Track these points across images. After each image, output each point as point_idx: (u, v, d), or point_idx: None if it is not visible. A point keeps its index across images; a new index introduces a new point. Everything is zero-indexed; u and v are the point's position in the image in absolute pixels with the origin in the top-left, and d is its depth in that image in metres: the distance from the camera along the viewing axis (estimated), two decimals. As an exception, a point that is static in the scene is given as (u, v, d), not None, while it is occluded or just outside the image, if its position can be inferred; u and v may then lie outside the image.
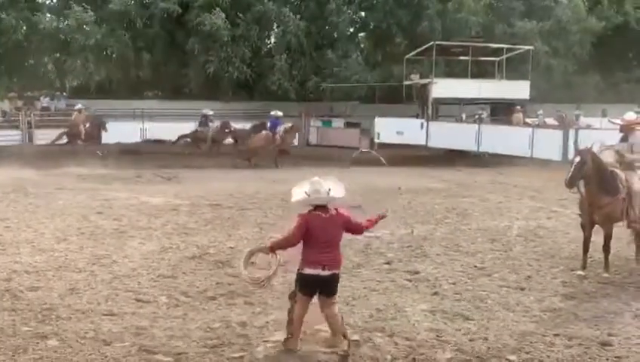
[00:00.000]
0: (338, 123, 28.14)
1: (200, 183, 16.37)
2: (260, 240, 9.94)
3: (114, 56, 29.77)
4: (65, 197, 13.92)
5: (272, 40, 32.05)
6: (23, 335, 6.11)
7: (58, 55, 30.04)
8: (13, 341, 5.98)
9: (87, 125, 22.83)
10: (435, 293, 7.52)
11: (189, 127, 25.21)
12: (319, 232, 5.57)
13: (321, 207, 5.65)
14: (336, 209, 5.70)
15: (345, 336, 5.69)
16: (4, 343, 5.91)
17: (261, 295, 7.35)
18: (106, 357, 5.69)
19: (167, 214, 12.11)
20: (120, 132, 25.38)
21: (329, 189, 5.60)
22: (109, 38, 28.35)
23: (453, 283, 7.89)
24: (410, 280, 8.02)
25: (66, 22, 28.51)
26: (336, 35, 31.22)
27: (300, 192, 5.71)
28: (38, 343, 5.93)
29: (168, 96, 31.41)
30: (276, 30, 30.94)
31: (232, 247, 9.56)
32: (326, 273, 5.58)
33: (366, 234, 10.41)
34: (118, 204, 13.15)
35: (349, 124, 27.94)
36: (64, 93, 30.31)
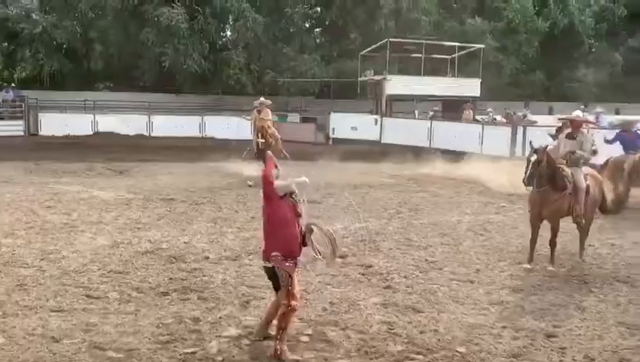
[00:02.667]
0: (294, 118, 28.15)
1: (152, 177, 16.16)
2: (214, 235, 9.93)
3: (64, 46, 29.03)
4: (12, 190, 13.54)
5: (229, 33, 31.81)
6: (-32, 333, 5.95)
7: (6, 45, 29.13)
8: (-42, 338, 5.82)
9: None
10: (388, 287, 7.65)
11: (139, 119, 24.87)
12: None
13: None
14: None
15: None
16: (-52, 341, 5.75)
17: (214, 290, 7.34)
18: (54, 354, 5.59)
19: (119, 208, 11.93)
20: (70, 124, 24.85)
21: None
22: (56, 28, 27.60)
23: (405, 277, 8.04)
24: (363, 274, 8.12)
25: (14, 10, 27.66)
26: (292, 30, 31.21)
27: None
28: (-17, 340, 5.79)
29: (121, 88, 30.83)
30: (233, 24, 30.71)
31: (185, 242, 9.48)
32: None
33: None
34: (68, 197, 12.88)
35: (304, 119, 27.99)
36: (13, 85, 29.41)
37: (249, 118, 17.56)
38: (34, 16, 27.33)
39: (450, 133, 22.69)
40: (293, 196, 5.66)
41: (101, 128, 26.11)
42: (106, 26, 29.02)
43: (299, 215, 5.65)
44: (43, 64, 28.30)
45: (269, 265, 5.68)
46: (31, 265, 8.18)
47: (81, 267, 8.14)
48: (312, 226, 5.73)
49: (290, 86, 29.64)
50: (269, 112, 16.25)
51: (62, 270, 7.99)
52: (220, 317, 6.51)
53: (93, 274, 7.89)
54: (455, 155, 19.92)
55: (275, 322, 5.80)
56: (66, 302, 6.87)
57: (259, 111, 15.96)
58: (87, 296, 7.08)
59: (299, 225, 5.65)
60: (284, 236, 5.58)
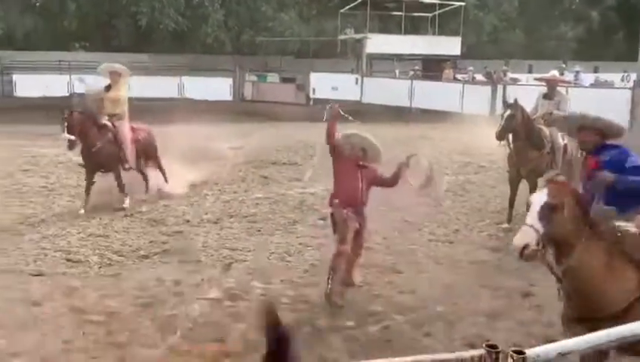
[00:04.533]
0: (273, 78, 27.83)
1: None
2: (194, 198, 9.88)
3: (37, 4, 28.21)
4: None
5: (205, -10, 31.07)
6: (-54, 299, 5.92)
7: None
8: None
9: None
10: (367, 248, 7.70)
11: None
12: None
13: None
14: None
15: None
16: None
17: (195, 253, 7.35)
18: (36, 317, 5.60)
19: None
20: (45, 85, 24.31)
21: None
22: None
23: (385, 238, 8.10)
24: (343, 236, 8.15)
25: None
26: (270, -13, 30.61)
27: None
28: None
29: (97, 48, 30.14)
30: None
31: (165, 205, 9.44)
32: None
33: (301, 190, 10.61)
34: (46, 161, 12.70)
35: (284, 80, 27.69)
36: (-17, 45, 28.60)
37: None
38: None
39: (430, 93, 22.63)
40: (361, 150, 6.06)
41: (77, 89, 25.60)
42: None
43: (361, 167, 6.05)
44: (15, 23, 27.51)
45: (330, 211, 6.18)
46: (9, 229, 8.11)
47: (61, 231, 8.09)
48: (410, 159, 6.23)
49: (268, 45, 29.22)
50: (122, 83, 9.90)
51: (41, 234, 7.94)
52: (202, 280, 6.54)
53: (72, 237, 7.86)
54: (436, 114, 19.94)
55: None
56: (46, 266, 6.85)
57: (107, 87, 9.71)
58: (68, 260, 7.07)
59: (361, 178, 6.03)
60: (343, 186, 6.03)
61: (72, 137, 9.00)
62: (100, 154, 9.24)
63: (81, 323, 5.53)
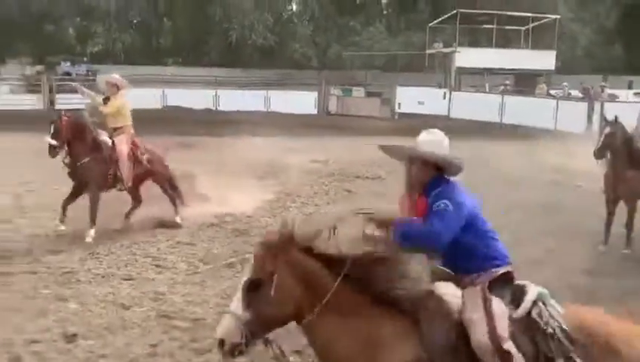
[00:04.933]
0: (358, 92, 27.90)
1: (218, 150, 16.34)
2: (277, 210, 9.97)
3: (135, 22, 29.73)
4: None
5: (294, 6, 31.73)
6: (44, 298, 6.20)
7: (79, 20, 30.07)
8: (34, 303, 6.07)
9: None
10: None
11: (206, 93, 25.10)
12: None
13: None
14: None
15: None
16: (26, 305, 6.01)
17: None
18: (125, 320, 5.77)
19: (187, 180, 12.09)
20: (140, 98, 25.45)
21: None
22: (131, 4, 28.28)
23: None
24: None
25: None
26: (359, 2, 30.80)
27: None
28: (58, 306, 6.03)
29: (189, 63, 31.36)
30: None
31: (249, 216, 9.57)
32: None
33: (385, 205, 10.47)
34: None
35: (369, 93, 27.69)
36: (85, 59, 30.41)
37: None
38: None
39: (522, 108, 21.92)
40: None
41: (169, 102, 26.68)
42: (176, 3, 29.48)
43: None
44: (115, 39, 29.09)
45: None
46: (103, 234, 8.44)
47: (151, 238, 8.34)
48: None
49: (355, 59, 29.35)
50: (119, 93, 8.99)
51: (131, 240, 8.21)
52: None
53: (161, 244, 8.08)
54: (527, 131, 19.28)
55: None
56: (136, 271, 7.07)
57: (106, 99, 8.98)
58: (156, 266, 7.27)
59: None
60: None
61: (55, 142, 8.12)
62: (85, 171, 8.29)
63: (168, 328, 5.64)
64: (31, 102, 25.06)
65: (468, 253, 3.30)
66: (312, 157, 14.68)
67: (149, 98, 26.00)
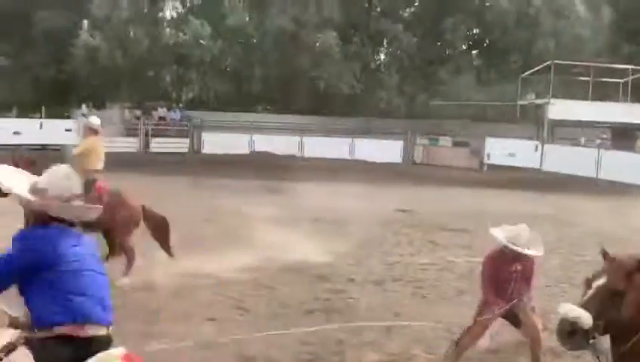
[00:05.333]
0: (446, 141, 27.56)
1: (302, 196, 16.40)
2: (359, 258, 9.80)
3: (228, 70, 30.91)
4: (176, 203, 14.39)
5: (382, 56, 32.08)
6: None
7: (175, 67, 31.63)
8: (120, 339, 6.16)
9: None
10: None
11: (292, 140, 25.55)
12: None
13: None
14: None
15: None
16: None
17: (357, 314, 7.19)
18: (206, 360, 5.73)
19: (270, 224, 12.19)
20: (229, 143, 26.28)
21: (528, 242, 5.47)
22: (226, 53, 29.50)
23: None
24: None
25: (185, 36, 29.94)
26: (448, 52, 30.76)
27: (499, 232, 5.54)
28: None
29: (278, 110, 32.17)
30: (387, 47, 30.95)
31: (330, 263, 9.46)
32: None
33: (470, 259, 10.10)
34: (223, 210, 13.42)
35: (456, 143, 27.28)
36: (180, 105, 31.85)
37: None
38: (202, 41, 29.37)
39: (621, 163, 20.87)
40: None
41: (257, 148, 27.35)
42: (267, 51, 30.48)
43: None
44: (209, 87, 30.33)
45: None
46: (185, 274, 8.54)
47: (233, 279, 8.37)
48: None
49: (442, 109, 29.12)
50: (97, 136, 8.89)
51: (215, 280, 8.27)
52: (364, 342, 6.34)
53: (244, 286, 8.09)
54: (626, 188, 18.26)
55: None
56: (218, 313, 7.08)
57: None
58: (238, 308, 7.26)
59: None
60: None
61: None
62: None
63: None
64: (129, 144, 26.36)
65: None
66: (396, 206, 14.45)
67: (237, 143, 26.82)
